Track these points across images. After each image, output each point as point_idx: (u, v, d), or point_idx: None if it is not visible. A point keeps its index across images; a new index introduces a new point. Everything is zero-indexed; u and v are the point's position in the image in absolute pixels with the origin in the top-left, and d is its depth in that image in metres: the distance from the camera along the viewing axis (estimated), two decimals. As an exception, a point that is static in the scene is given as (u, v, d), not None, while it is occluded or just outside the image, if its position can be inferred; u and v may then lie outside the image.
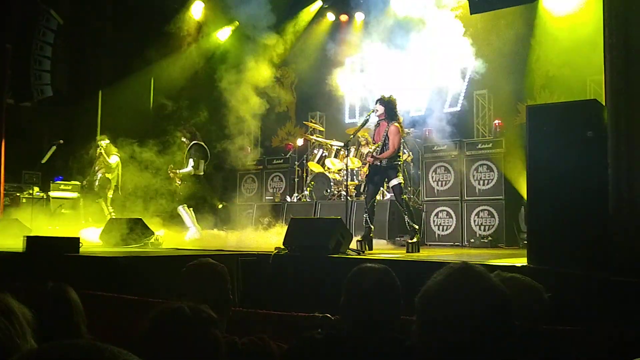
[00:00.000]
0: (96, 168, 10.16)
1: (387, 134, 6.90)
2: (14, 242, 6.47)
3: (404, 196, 6.96)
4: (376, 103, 7.06)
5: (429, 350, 1.38)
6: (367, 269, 2.27)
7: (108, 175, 10.05)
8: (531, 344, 2.18)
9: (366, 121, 7.46)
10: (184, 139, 9.01)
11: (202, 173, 8.90)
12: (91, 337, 2.32)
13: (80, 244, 5.87)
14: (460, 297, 1.35)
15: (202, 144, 8.94)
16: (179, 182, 8.74)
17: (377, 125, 7.16)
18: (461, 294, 1.36)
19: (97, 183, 10.11)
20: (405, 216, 6.88)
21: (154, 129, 10.30)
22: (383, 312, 2.14)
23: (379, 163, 6.94)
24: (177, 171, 8.70)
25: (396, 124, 6.93)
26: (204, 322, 1.62)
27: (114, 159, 10.08)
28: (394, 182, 6.92)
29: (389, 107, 6.98)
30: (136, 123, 11.10)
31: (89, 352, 0.87)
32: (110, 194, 10.12)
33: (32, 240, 5.69)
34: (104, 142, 10.09)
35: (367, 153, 7.08)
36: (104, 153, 10.02)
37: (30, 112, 11.37)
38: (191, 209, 8.92)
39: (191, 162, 8.71)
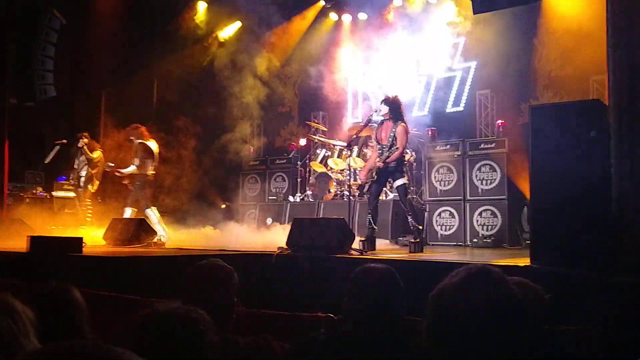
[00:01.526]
0: (79, 165, 10.11)
1: (394, 135, 6.80)
2: (18, 242, 6.50)
3: (408, 197, 6.90)
4: (380, 103, 6.98)
5: (436, 349, 1.37)
6: (371, 269, 2.27)
7: (92, 171, 10.01)
8: (534, 345, 2.18)
9: (369, 121, 7.45)
10: (131, 137, 8.68)
11: (150, 173, 8.57)
12: (95, 337, 2.32)
13: (84, 244, 5.89)
14: (477, 300, 1.34)
15: (147, 143, 8.58)
16: (127, 182, 8.53)
17: (381, 124, 7.04)
18: (478, 297, 1.35)
19: (83, 179, 10.05)
20: (409, 217, 6.80)
21: (158, 126, 10.28)
22: (386, 312, 2.14)
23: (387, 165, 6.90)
24: (120, 170, 8.41)
25: (403, 124, 6.85)
26: (194, 325, 1.54)
27: (96, 154, 10.04)
28: (398, 182, 6.85)
29: (393, 107, 6.90)
30: (139, 122, 11.11)
31: (93, 352, 0.87)
32: (93, 189, 10.03)
33: (35, 240, 5.71)
34: (84, 139, 10.03)
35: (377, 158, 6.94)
36: (85, 149, 9.94)
37: (33, 112, 11.38)
38: (154, 209, 8.57)
39: (136, 161, 8.45)
